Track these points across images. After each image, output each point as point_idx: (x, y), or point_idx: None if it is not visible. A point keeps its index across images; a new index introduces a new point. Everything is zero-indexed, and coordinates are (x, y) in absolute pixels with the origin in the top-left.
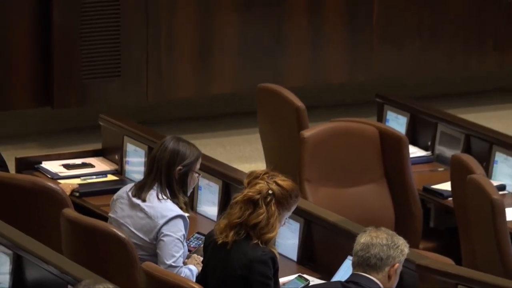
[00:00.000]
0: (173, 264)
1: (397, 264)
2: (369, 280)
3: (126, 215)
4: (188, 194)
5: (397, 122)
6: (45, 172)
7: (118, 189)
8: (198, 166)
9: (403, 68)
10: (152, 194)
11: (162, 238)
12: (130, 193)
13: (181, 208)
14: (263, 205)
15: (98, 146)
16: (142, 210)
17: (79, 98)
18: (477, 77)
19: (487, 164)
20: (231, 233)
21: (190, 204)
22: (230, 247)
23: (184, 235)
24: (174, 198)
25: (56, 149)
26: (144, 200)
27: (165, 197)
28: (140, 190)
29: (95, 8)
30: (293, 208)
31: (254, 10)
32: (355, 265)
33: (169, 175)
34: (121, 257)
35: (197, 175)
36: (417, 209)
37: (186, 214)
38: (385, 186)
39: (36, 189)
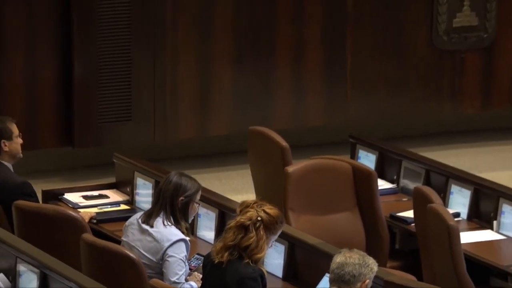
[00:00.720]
0: (176, 280)
1: (367, 281)
2: None
3: (136, 239)
4: (189, 221)
5: (367, 159)
6: (67, 202)
7: (129, 217)
8: (198, 197)
9: (372, 112)
10: (158, 221)
11: (167, 259)
12: (139, 220)
13: (183, 232)
14: (253, 230)
15: (112, 180)
16: (150, 234)
17: (96, 139)
18: (436, 121)
19: (444, 195)
20: (226, 254)
21: (190, 229)
22: (225, 266)
23: (186, 256)
24: (177, 224)
25: (76, 183)
26: (152, 226)
27: (169, 224)
28: (148, 217)
29: (109, 61)
30: (279, 233)
31: (245, 62)
32: (331, 281)
33: (173, 205)
34: (132, 275)
35: (197, 205)
36: (384, 233)
37: (188, 238)
38: (357, 213)
39: (59, 217)
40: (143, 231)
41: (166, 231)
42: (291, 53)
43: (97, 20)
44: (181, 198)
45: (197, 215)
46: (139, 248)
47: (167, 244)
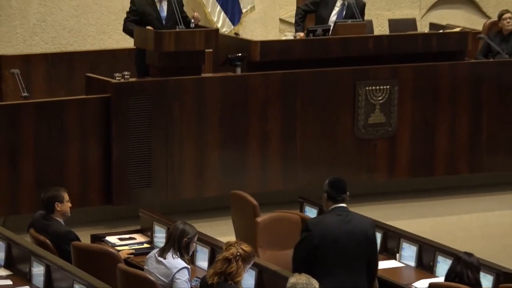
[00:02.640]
0: None
1: None
2: None
3: (154, 267)
4: (190, 254)
5: (311, 213)
6: (107, 242)
7: (150, 252)
8: (196, 238)
9: (315, 181)
10: (169, 255)
11: (176, 280)
12: (156, 254)
13: (186, 262)
14: (234, 262)
15: (138, 227)
16: (163, 264)
17: (128, 199)
18: (356, 186)
19: None
20: (216, 278)
21: (191, 260)
22: (215, 286)
23: (188, 278)
24: (182, 257)
25: (114, 229)
26: (165, 258)
27: (177, 256)
28: (162, 252)
29: (136, 147)
30: (252, 263)
31: (229, 145)
32: None
33: (179, 244)
34: None
35: (195, 243)
36: None
37: (189, 266)
38: None
39: (102, 252)
40: (159, 262)
41: (174, 262)
42: (259, 140)
43: (127, 120)
44: (185, 239)
45: (195, 251)
46: (156, 274)
47: (175, 270)
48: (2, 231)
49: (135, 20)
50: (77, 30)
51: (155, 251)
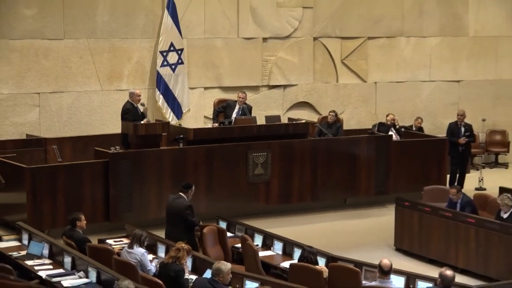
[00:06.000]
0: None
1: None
2: None
3: (127, 256)
4: (145, 246)
5: (223, 224)
6: (107, 243)
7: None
8: (147, 238)
9: (224, 206)
10: (134, 247)
11: (143, 260)
12: (126, 248)
13: (144, 250)
14: (181, 251)
15: (124, 234)
16: (132, 252)
17: (119, 219)
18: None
19: None
20: (170, 260)
21: (154, 253)
22: (169, 265)
23: (147, 258)
24: (141, 247)
25: (111, 236)
26: (132, 249)
27: (138, 247)
28: (130, 245)
29: (123, 187)
30: (190, 254)
31: (176, 187)
32: (213, 275)
33: (139, 240)
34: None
35: (147, 241)
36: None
37: (147, 251)
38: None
39: (104, 249)
40: (129, 252)
41: (138, 250)
42: (193, 184)
43: (118, 174)
44: (142, 238)
45: (157, 246)
46: (130, 259)
47: (140, 255)
48: (47, 237)
49: (128, 118)
50: (89, 123)
51: (126, 247)
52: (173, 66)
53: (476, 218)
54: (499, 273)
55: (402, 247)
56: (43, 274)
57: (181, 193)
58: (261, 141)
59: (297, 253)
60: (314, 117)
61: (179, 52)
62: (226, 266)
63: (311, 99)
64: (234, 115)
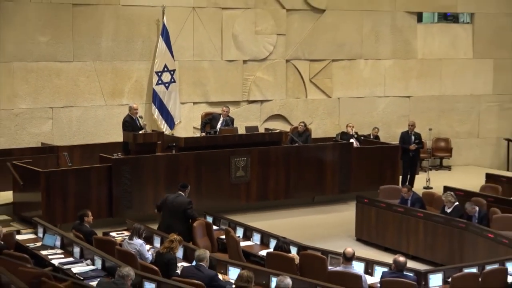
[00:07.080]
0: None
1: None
2: None
3: (127, 246)
4: (143, 237)
5: (209, 219)
6: (111, 236)
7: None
8: (144, 230)
9: (210, 203)
10: (134, 238)
11: (141, 250)
12: (127, 239)
13: (143, 241)
14: (175, 242)
15: (126, 228)
16: (132, 243)
17: (121, 214)
18: None
19: None
20: (165, 250)
21: (151, 244)
22: (164, 254)
23: (145, 248)
24: (140, 238)
25: (114, 229)
26: (132, 240)
27: (137, 238)
28: (130, 237)
29: (124, 188)
30: (182, 244)
31: (170, 188)
32: (197, 260)
33: (138, 232)
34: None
35: (144, 233)
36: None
37: (144, 242)
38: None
39: (108, 240)
40: (129, 243)
41: (137, 241)
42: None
43: (120, 177)
44: (140, 231)
45: (153, 238)
46: (130, 249)
47: (139, 245)
48: (59, 231)
49: (128, 128)
50: (95, 133)
51: (126, 238)
52: (166, 84)
53: (424, 213)
54: (444, 259)
55: (362, 237)
56: (55, 262)
57: (180, 192)
58: (242, 148)
59: (272, 243)
60: (286, 127)
61: (172, 72)
62: (206, 252)
63: (284, 112)
64: (219, 126)
